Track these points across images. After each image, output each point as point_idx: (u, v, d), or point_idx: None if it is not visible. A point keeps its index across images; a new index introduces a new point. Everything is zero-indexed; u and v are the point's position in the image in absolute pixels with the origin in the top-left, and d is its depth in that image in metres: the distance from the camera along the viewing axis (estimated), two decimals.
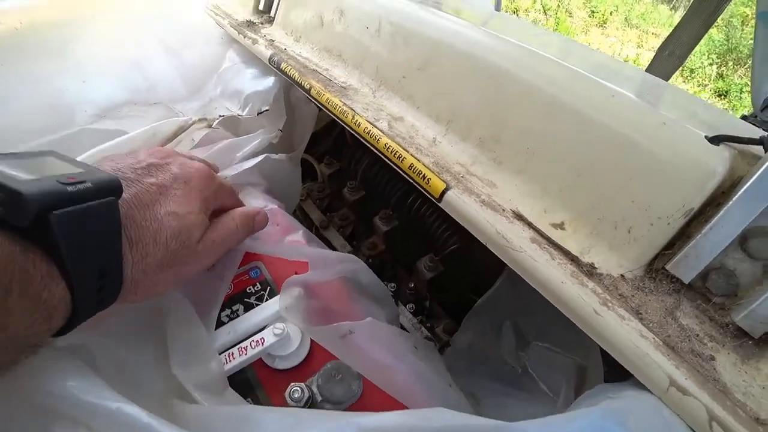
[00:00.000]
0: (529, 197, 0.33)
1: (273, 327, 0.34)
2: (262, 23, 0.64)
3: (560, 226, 0.32)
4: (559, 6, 4.77)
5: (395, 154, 0.36)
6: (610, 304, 0.28)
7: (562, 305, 0.29)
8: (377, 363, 0.33)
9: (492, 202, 0.32)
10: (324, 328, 0.34)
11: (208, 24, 0.65)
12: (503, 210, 0.32)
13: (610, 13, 4.81)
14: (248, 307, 0.38)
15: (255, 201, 0.48)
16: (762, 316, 0.27)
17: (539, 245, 0.30)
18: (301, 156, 0.63)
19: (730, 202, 0.27)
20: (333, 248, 0.65)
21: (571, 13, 4.75)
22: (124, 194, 0.26)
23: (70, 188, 0.21)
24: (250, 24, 0.63)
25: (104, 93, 0.48)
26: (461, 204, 0.32)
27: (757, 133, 0.32)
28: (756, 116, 0.54)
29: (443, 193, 0.32)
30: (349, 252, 0.63)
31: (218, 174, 0.46)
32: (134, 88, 0.53)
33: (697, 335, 0.28)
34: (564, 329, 0.47)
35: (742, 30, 4.00)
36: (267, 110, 0.52)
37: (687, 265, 0.29)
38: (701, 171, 0.28)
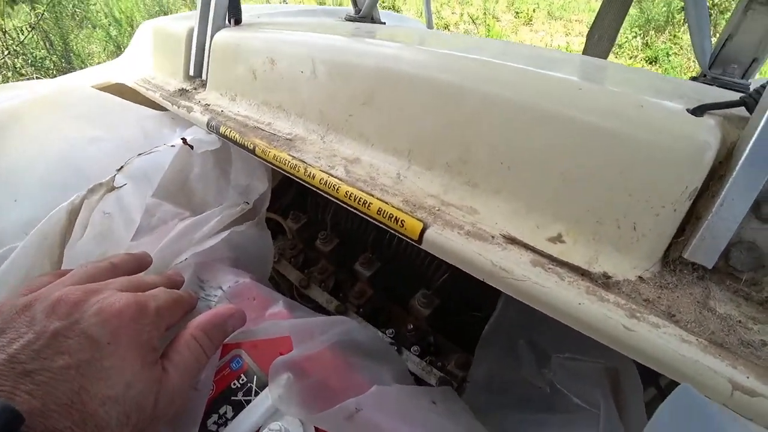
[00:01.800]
0: (515, 216, 0.29)
1: (268, 429, 0.28)
2: (195, 89, 0.60)
3: (558, 239, 0.28)
4: (485, 14, 5.00)
5: (359, 200, 0.32)
6: (638, 314, 0.25)
7: (586, 328, 0.25)
8: None
9: (478, 230, 0.28)
10: (327, 413, 0.29)
11: (140, 100, 0.62)
12: (492, 237, 0.28)
13: (533, 11, 5.07)
14: (237, 407, 0.32)
15: (224, 277, 0.43)
16: None
17: (543, 267, 0.26)
18: (264, 217, 0.59)
19: (735, 172, 0.25)
20: (319, 306, 0.60)
21: (498, 18, 4.99)
22: (27, 409, 0.19)
23: None
24: (183, 92, 0.60)
25: (34, 205, 0.41)
26: (445, 241, 0.28)
27: (727, 95, 0.31)
28: (705, 75, 0.53)
29: (422, 233, 0.28)
30: (336, 306, 0.58)
31: (177, 260, 0.40)
32: (66, 186, 0.47)
33: (740, 321, 0.25)
34: (582, 334, 0.43)
35: (653, 1, 4.28)
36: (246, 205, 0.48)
37: (706, 248, 0.26)
38: (694, 146, 0.25)
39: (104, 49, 3.43)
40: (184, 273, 0.39)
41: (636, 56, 3.93)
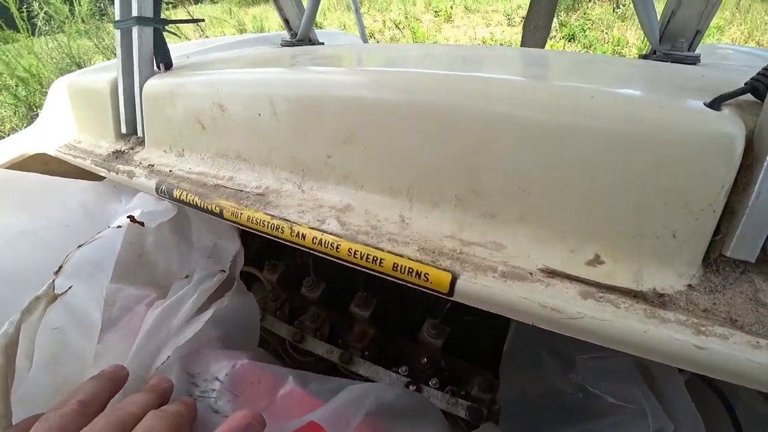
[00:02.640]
0: (546, 243, 0.26)
1: None
2: (132, 148, 0.53)
3: (597, 260, 0.25)
4: (407, 17, 5.10)
5: (368, 258, 0.27)
6: (703, 328, 0.23)
7: (656, 356, 0.23)
8: None
9: (512, 270, 0.25)
10: None
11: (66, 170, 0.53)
12: (531, 274, 0.25)
13: (451, 8, 5.24)
14: None
15: (218, 364, 0.37)
16: None
17: (594, 298, 0.24)
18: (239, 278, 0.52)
19: (767, 161, 0.23)
20: (321, 358, 0.54)
21: (419, 19, 5.10)
22: None
23: None
24: (118, 154, 0.52)
25: None
26: (481, 289, 0.24)
27: (690, 71, 0.29)
28: (656, 52, 0.54)
29: (452, 285, 0.25)
30: (340, 355, 0.53)
31: (158, 361, 0.34)
32: None
33: None
34: None
35: None
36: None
37: (747, 243, 0.25)
38: (723, 141, 0.23)
39: (15, 113, 3.11)
40: (170, 374, 0.33)
41: (554, 36, 4.16)
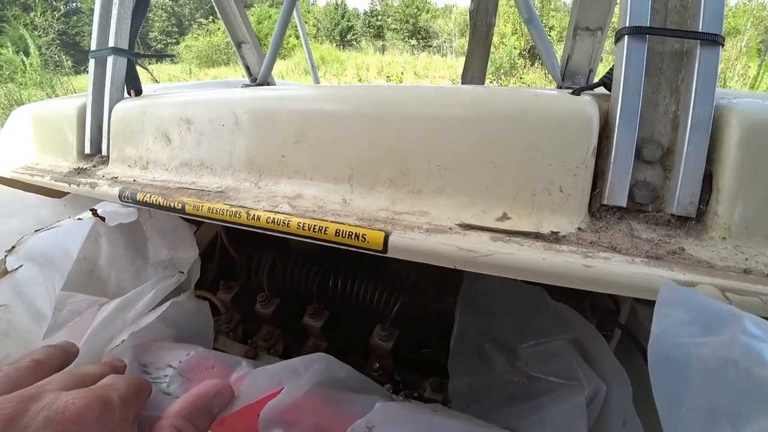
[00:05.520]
0: (463, 208, 0.32)
1: None
2: (94, 166, 0.55)
3: (505, 217, 0.32)
4: (360, 81, 5.50)
5: (314, 228, 0.32)
6: (591, 254, 0.28)
7: (554, 278, 0.28)
8: None
9: (435, 227, 0.30)
10: None
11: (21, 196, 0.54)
12: (450, 228, 0.30)
13: (402, 74, 5.73)
14: None
15: (170, 354, 0.38)
16: (683, 200, 0.30)
17: (502, 241, 0.29)
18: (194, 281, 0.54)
19: (616, 130, 0.31)
20: None
21: (370, 82, 5.52)
22: None
23: None
24: (80, 171, 0.54)
25: None
26: (409, 242, 0.29)
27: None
28: (560, 87, 0.66)
29: (385, 241, 0.30)
30: None
31: (111, 344, 0.34)
32: None
33: (660, 240, 0.30)
34: (535, 318, 0.46)
35: (496, 52, 5.16)
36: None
37: (616, 192, 0.31)
38: (584, 117, 0.31)
39: None
40: (124, 359, 0.34)
41: None
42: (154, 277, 0.50)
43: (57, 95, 3.50)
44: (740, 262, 0.28)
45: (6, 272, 0.31)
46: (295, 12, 1.52)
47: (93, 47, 0.53)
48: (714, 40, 0.31)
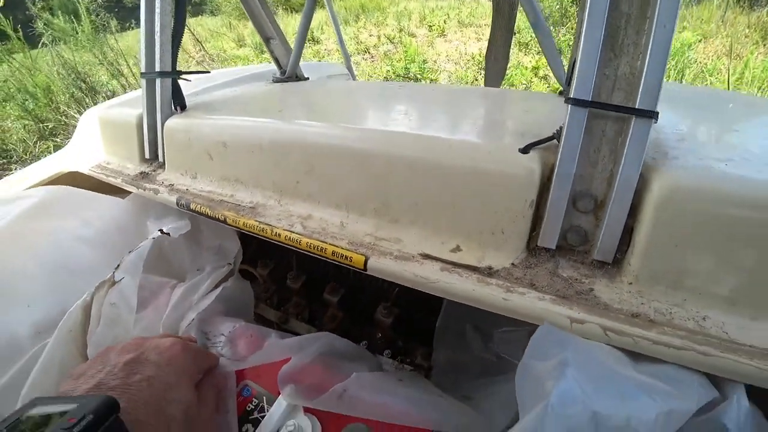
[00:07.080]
0: (426, 239, 0.42)
1: (285, 427, 0.39)
2: (154, 170, 0.68)
3: (457, 249, 0.41)
4: (401, 32, 5.31)
5: (317, 248, 0.43)
6: (512, 289, 0.38)
7: (481, 305, 0.38)
8: (375, 405, 0.40)
9: (403, 254, 0.41)
10: (323, 397, 0.40)
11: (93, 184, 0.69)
12: (413, 257, 0.40)
13: (444, 22, 5.45)
14: (256, 423, 0.42)
15: (223, 325, 0.52)
16: (604, 247, 0.37)
17: (448, 271, 0.39)
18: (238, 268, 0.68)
19: (553, 182, 0.38)
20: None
21: (414, 34, 5.31)
22: (120, 405, 0.28)
23: (76, 429, 0.23)
24: (144, 175, 0.68)
25: (40, 308, 0.48)
26: (382, 266, 0.40)
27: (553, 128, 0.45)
28: (564, 92, 0.70)
29: (365, 263, 0.40)
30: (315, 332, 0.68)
31: (184, 322, 0.49)
32: (66, 292, 0.53)
33: (577, 279, 0.38)
34: None
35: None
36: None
37: (549, 235, 0.39)
38: (527, 173, 0.39)
39: (24, 127, 3.29)
40: (191, 332, 0.49)
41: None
42: (207, 260, 0.65)
43: (107, 59, 3.68)
44: (635, 306, 0.34)
45: (114, 283, 0.46)
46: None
47: (143, 69, 0.64)
48: (647, 116, 0.34)
